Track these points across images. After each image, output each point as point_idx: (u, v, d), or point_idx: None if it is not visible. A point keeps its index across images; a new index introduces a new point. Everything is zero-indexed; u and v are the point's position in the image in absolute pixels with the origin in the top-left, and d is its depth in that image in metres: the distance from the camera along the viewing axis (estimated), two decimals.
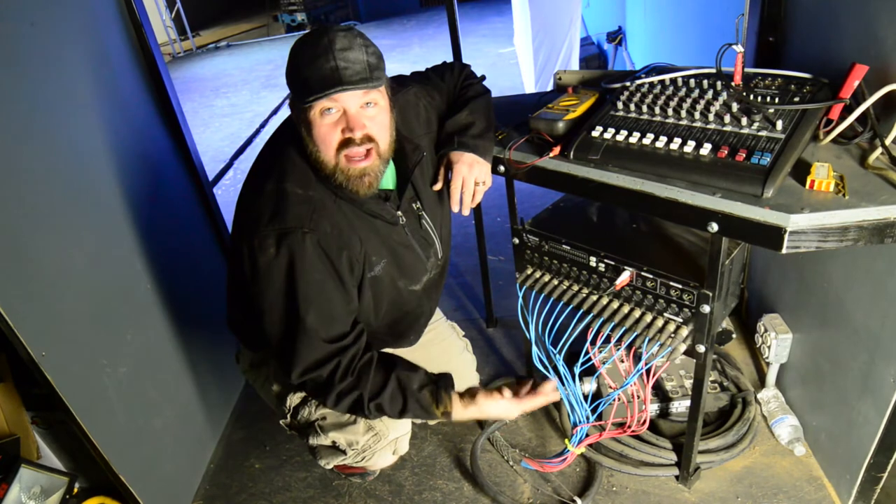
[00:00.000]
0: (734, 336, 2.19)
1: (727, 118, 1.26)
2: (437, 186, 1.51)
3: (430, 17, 10.37)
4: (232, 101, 7.25)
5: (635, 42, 4.81)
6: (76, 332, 1.52)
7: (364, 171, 1.27)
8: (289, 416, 1.63)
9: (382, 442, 1.59)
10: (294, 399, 1.60)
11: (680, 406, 1.87)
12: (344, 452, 1.58)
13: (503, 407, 1.49)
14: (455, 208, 1.50)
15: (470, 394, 1.48)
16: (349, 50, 1.19)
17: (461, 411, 1.45)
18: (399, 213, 1.43)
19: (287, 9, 10.86)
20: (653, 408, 1.88)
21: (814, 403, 1.79)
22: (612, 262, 1.49)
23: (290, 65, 1.23)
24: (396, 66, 6.78)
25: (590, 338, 1.53)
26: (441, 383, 1.43)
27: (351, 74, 1.18)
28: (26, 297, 1.36)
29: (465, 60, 1.89)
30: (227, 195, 4.53)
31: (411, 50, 8.20)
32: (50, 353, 1.38)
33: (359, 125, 1.23)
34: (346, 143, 1.24)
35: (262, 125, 6.14)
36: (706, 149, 1.21)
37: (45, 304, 1.42)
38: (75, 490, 1.81)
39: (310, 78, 1.18)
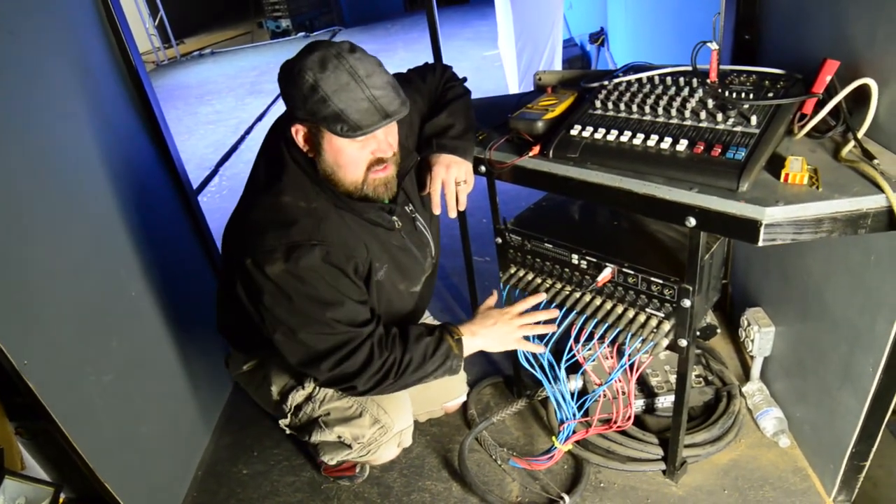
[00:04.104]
0: (719, 331, 2.22)
1: (703, 115, 1.28)
2: (425, 192, 1.52)
3: (415, 22, 10.37)
4: (216, 108, 7.22)
5: (617, 42, 4.85)
6: (60, 340, 1.51)
7: (387, 180, 1.35)
8: (289, 415, 1.63)
9: (388, 434, 1.59)
10: (297, 397, 1.60)
11: (665, 401, 1.88)
12: (349, 447, 1.58)
13: (498, 322, 1.52)
14: (436, 210, 1.51)
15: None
16: (373, 75, 1.21)
17: (469, 336, 1.49)
18: (394, 218, 1.46)
19: (272, 15, 10.85)
20: (639, 403, 1.89)
21: (797, 395, 1.82)
22: (594, 259, 1.50)
23: (308, 93, 1.19)
24: None
25: (573, 334, 1.54)
26: (442, 325, 1.49)
27: (388, 103, 1.22)
28: (8, 306, 1.35)
29: (449, 63, 1.90)
30: (213, 202, 4.52)
31: (396, 54, 8.21)
32: (32, 362, 1.36)
33: (391, 146, 1.32)
34: (376, 162, 1.31)
35: (247, 132, 6.11)
36: (682, 145, 1.23)
37: (28, 312, 1.41)
38: (61, 500, 1.78)
39: (346, 110, 1.19)
